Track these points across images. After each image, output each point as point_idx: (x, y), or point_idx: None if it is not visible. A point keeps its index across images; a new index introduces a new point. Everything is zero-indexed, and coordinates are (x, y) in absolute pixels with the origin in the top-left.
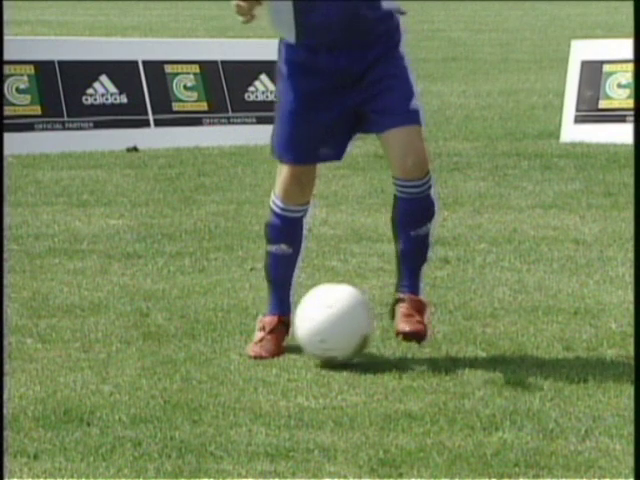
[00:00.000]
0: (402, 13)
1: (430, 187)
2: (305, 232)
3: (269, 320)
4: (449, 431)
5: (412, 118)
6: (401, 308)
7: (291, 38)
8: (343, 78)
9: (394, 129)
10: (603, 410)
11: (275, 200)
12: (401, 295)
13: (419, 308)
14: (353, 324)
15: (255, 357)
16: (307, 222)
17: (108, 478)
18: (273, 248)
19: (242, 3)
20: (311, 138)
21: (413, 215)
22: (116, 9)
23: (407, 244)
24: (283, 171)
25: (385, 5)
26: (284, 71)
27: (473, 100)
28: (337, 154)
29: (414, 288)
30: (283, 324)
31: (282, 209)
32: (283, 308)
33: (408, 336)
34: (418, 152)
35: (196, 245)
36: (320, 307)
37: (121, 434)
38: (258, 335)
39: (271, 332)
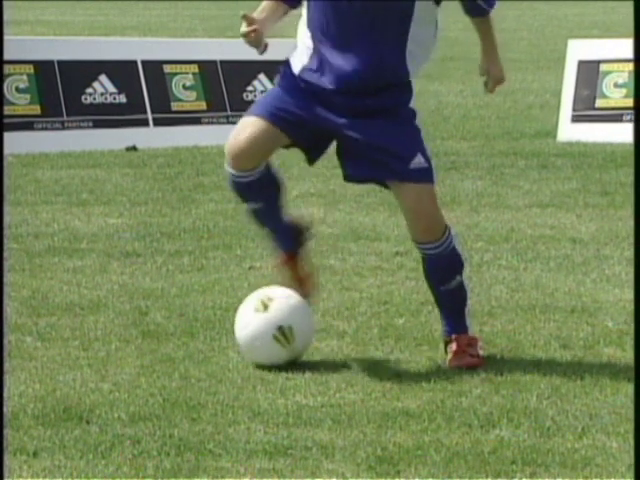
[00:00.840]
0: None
1: (450, 242)
2: (275, 179)
3: (279, 261)
4: (446, 429)
5: (420, 176)
6: (451, 347)
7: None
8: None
9: (401, 185)
10: (600, 408)
11: (226, 166)
12: (448, 338)
13: (469, 343)
14: (255, 334)
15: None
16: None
17: (107, 476)
18: (245, 205)
19: (247, 31)
20: (287, 108)
21: (438, 272)
22: (115, 9)
23: (441, 298)
24: (238, 127)
25: (410, 67)
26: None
27: (470, 99)
28: (312, 156)
29: (459, 329)
30: (291, 258)
31: (233, 175)
32: (287, 245)
33: (461, 367)
34: (428, 217)
35: (195, 244)
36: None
37: (120, 432)
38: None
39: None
